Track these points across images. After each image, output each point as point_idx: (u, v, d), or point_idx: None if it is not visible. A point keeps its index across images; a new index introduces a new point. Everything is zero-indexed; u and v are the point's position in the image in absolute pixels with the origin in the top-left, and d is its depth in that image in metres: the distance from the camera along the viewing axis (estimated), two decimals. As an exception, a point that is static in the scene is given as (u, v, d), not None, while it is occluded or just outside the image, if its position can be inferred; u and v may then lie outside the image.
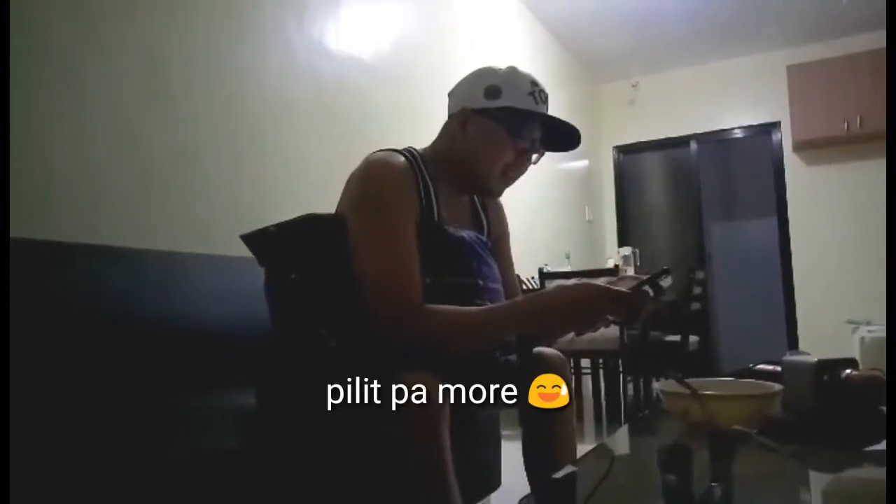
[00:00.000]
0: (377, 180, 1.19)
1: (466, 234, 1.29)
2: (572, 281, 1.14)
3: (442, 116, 1.34)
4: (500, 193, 1.35)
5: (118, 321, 1.44)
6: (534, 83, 1.26)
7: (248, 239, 1.18)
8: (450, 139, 1.30)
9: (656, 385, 1.16)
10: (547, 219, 4.75)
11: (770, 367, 1.32)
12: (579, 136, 1.31)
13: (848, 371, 1.16)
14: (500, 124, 1.24)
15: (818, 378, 1.16)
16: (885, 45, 4.86)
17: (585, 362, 3.99)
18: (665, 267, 1.14)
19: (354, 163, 1.25)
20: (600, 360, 3.85)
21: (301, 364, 1.13)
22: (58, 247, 1.41)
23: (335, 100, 2.67)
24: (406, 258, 1.14)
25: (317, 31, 2.59)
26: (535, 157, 1.32)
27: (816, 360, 1.19)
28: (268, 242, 1.17)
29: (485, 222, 1.40)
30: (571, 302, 1.09)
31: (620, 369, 3.78)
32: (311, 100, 2.53)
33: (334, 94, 2.66)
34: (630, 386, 3.79)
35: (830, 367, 1.17)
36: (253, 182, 2.24)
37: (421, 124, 2.41)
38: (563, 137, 1.32)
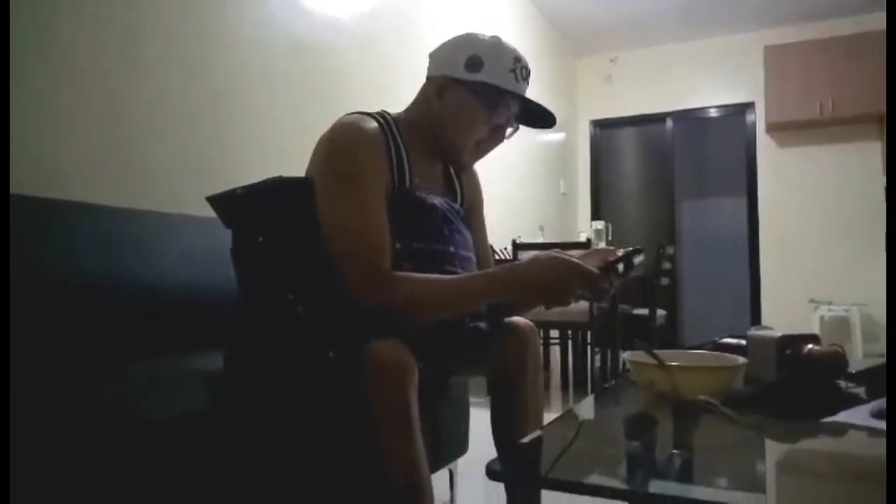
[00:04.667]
0: (346, 144, 1.16)
1: (438, 200, 1.27)
2: (545, 252, 1.13)
3: (419, 83, 1.31)
4: (470, 165, 1.34)
5: (85, 277, 1.41)
6: (517, 59, 1.24)
7: (214, 201, 1.15)
8: (425, 105, 1.28)
9: (625, 355, 1.18)
10: (522, 190, 4.75)
11: (735, 341, 1.35)
12: (554, 118, 1.30)
13: (810, 346, 1.19)
14: (478, 98, 1.22)
15: (781, 352, 1.19)
16: (862, 29, 4.93)
17: (554, 333, 4.04)
18: (638, 247, 1.15)
19: (327, 126, 1.22)
20: (569, 332, 3.91)
21: (268, 329, 1.12)
22: (24, 200, 1.36)
23: (312, 62, 2.60)
24: (375, 224, 1.13)
25: (292, -11, 2.51)
26: (508, 131, 1.31)
27: (780, 334, 1.22)
28: (234, 204, 1.14)
29: (458, 190, 1.39)
30: (542, 277, 1.09)
31: (588, 341, 3.84)
32: (287, 61, 2.46)
33: (311, 57, 2.60)
34: (597, 358, 3.86)
35: (793, 341, 1.20)
36: (227, 144, 2.18)
37: (397, 88, 2.37)
38: (539, 114, 1.30)
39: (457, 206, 1.35)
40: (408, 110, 1.32)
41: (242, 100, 2.26)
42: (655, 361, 1.07)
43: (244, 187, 1.14)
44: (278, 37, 2.42)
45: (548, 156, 5.45)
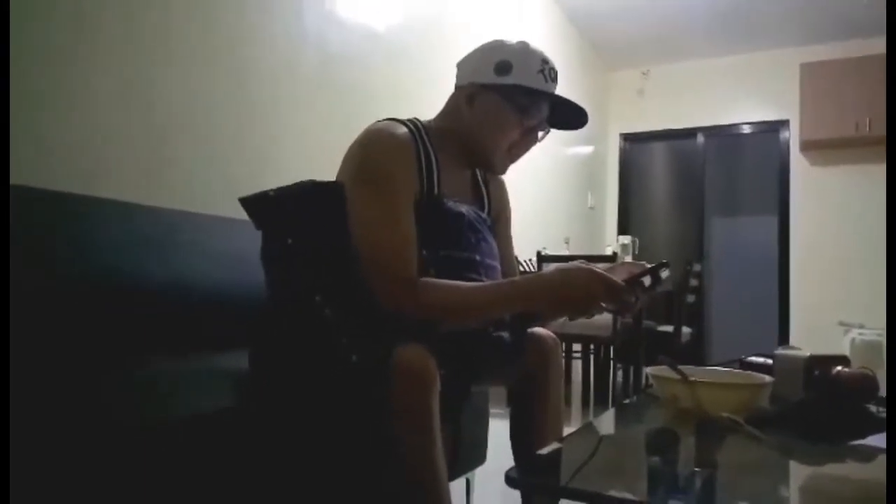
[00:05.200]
0: (377, 151, 1.18)
1: (466, 209, 1.28)
2: (572, 263, 1.13)
3: (448, 91, 1.33)
4: (504, 170, 1.34)
5: (116, 275, 1.44)
6: (545, 60, 1.24)
7: (246, 202, 1.17)
8: (455, 113, 1.28)
9: (648, 369, 1.17)
10: (549, 202, 4.74)
11: (761, 360, 1.33)
12: (586, 116, 1.30)
13: (839, 368, 1.17)
14: (509, 102, 1.23)
15: (809, 372, 1.17)
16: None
17: (577, 346, 4.01)
18: (664, 260, 1.14)
19: (357, 132, 1.24)
20: (591, 346, 3.87)
21: (295, 332, 1.14)
22: (57, 197, 1.40)
23: (341, 68, 2.64)
24: (403, 231, 1.14)
25: (328, 1, 2.56)
26: (540, 134, 1.31)
27: (809, 354, 1.20)
28: (266, 206, 1.16)
29: (486, 198, 1.39)
30: (568, 287, 1.09)
31: (611, 356, 3.80)
32: (317, 67, 2.50)
33: (341, 63, 2.63)
34: (619, 373, 3.81)
35: (822, 362, 1.18)
36: (256, 147, 2.22)
37: (427, 98, 2.39)
38: (569, 116, 1.30)
39: (484, 214, 1.35)
40: (438, 118, 1.33)
41: (274, 107, 2.30)
42: (679, 377, 1.06)
43: (276, 189, 1.16)
44: (310, 47, 2.47)
45: (576, 169, 5.43)
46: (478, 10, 3.73)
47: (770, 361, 1.27)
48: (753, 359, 1.35)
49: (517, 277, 1.28)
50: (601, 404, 3.70)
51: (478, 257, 1.25)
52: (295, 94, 2.39)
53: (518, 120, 1.24)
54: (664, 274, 1.11)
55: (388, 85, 2.92)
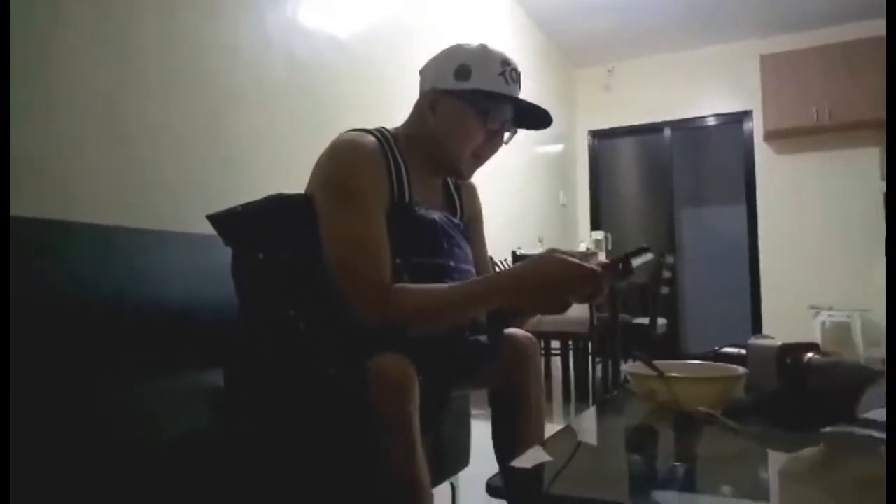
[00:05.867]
0: (346, 161, 1.17)
1: (438, 215, 1.27)
2: (545, 251, 1.13)
3: (415, 99, 1.32)
4: (470, 174, 1.33)
5: (85, 298, 1.41)
6: (505, 62, 1.24)
7: (215, 219, 1.15)
8: (420, 120, 1.28)
9: (625, 367, 1.18)
10: (521, 201, 4.76)
11: (735, 351, 1.35)
12: (550, 117, 1.31)
13: (810, 355, 1.19)
14: (470, 106, 1.23)
15: (781, 361, 1.19)
16: (857, 37, 4.96)
17: (555, 343, 4.03)
18: (643, 245, 1.13)
19: (326, 143, 1.23)
20: (569, 342, 3.90)
21: (270, 346, 1.12)
22: (25, 222, 1.37)
23: (308, 79, 2.62)
24: (374, 239, 1.13)
25: (291, 9, 2.53)
26: (506, 136, 1.31)
27: (780, 343, 1.22)
28: (235, 222, 1.15)
29: (458, 204, 1.39)
30: (542, 276, 1.07)
31: (589, 351, 3.83)
32: (284, 78, 2.48)
33: (308, 75, 2.61)
34: (598, 368, 3.84)
35: (793, 350, 1.20)
36: (225, 161, 2.19)
37: (394, 105, 2.39)
38: (534, 116, 1.31)
39: (456, 219, 1.35)
40: (404, 127, 1.32)
41: (241, 118, 2.27)
42: (655, 373, 1.07)
43: (244, 205, 1.14)
44: (277, 56, 2.44)
45: (547, 167, 5.47)
46: (442, 14, 3.73)
47: (743, 352, 1.30)
48: (727, 350, 1.37)
49: (490, 274, 1.28)
50: (582, 400, 3.73)
51: (452, 263, 1.25)
52: (263, 105, 2.37)
53: (481, 124, 1.24)
54: (642, 259, 1.10)
55: (356, 93, 2.90)
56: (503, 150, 1.35)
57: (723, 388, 1.10)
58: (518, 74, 1.26)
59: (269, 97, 2.40)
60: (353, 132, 1.23)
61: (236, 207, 1.13)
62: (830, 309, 4.97)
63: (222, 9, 2.21)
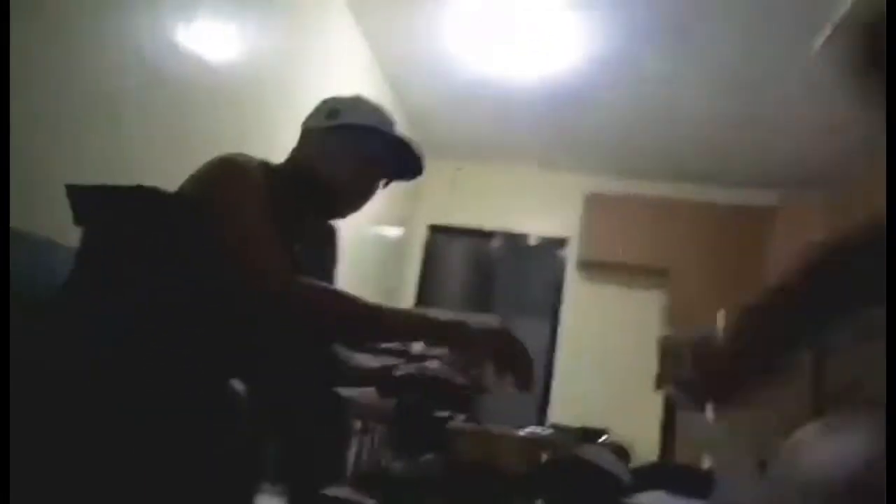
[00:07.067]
0: (221, 172, 1.14)
1: (306, 252, 1.30)
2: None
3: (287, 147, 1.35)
4: (344, 213, 1.33)
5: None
6: (376, 108, 1.30)
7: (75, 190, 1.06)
8: (291, 158, 1.31)
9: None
10: (352, 285, 4.69)
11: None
12: (421, 159, 1.36)
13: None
14: (338, 138, 1.26)
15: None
16: (676, 195, 5.74)
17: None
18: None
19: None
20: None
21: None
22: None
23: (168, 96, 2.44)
24: (258, 235, 1.08)
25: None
26: (382, 182, 1.34)
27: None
28: (99, 201, 1.07)
29: (324, 246, 1.44)
30: (464, 326, 1.18)
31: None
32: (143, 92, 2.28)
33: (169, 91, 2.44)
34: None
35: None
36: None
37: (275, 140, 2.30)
38: (407, 164, 1.36)
39: (323, 262, 1.37)
40: (279, 165, 1.31)
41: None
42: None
43: (119, 186, 1.05)
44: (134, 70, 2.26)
45: (382, 252, 5.52)
46: (313, 74, 3.76)
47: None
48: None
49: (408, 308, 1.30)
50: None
51: None
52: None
53: (350, 155, 1.26)
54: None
55: (229, 139, 2.77)
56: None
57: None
58: (391, 123, 1.30)
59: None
60: (234, 153, 1.19)
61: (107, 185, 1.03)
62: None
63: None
